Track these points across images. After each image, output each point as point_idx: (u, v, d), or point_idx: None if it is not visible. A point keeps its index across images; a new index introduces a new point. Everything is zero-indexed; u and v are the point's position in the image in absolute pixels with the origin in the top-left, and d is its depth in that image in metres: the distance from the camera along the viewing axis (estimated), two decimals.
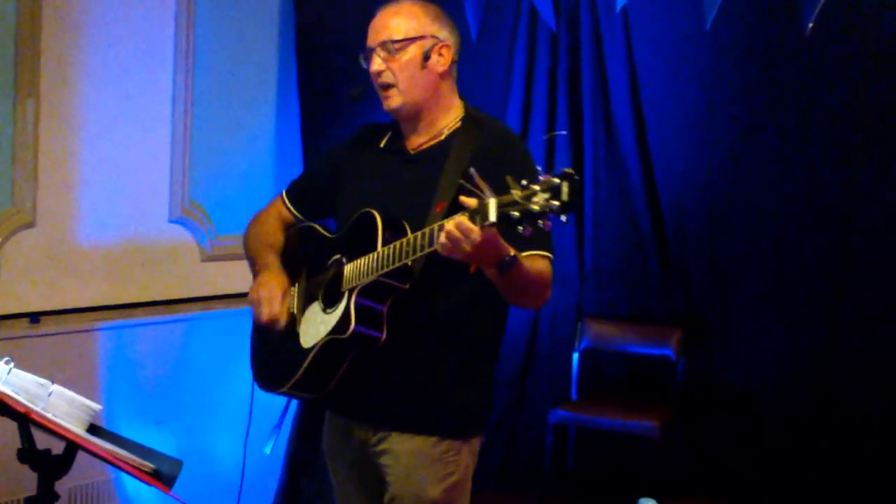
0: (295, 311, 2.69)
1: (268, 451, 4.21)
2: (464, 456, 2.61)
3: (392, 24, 2.59)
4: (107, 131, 4.05)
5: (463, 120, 2.65)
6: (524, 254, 2.34)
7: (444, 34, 2.62)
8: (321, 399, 2.71)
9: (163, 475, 2.50)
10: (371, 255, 2.45)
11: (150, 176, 4.25)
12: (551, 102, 4.78)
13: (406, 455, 2.57)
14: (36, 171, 3.84)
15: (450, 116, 2.65)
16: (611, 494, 4.64)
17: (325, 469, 4.15)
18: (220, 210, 4.51)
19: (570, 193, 2.05)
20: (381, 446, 2.60)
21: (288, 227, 2.88)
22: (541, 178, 2.08)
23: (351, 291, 2.47)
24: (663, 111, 4.62)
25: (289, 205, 2.87)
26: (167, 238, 4.32)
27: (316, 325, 2.58)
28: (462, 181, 2.23)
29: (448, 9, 4.42)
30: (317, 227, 2.80)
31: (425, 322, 2.53)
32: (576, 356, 4.80)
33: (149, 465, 2.48)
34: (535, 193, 2.07)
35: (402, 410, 2.58)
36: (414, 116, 2.63)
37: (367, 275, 2.44)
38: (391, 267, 2.39)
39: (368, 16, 4.53)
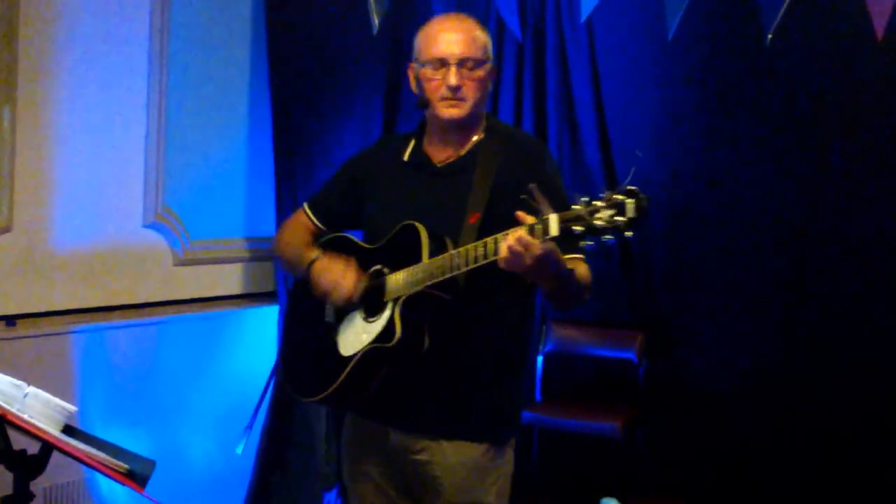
0: (331, 320, 2.72)
1: (239, 451, 4.32)
2: (508, 455, 2.71)
3: (474, 41, 2.63)
4: (82, 138, 4.07)
5: (486, 131, 2.71)
6: (567, 256, 2.40)
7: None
8: (353, 406, 2.76)
9: (136, 475, 2.51)
10: (417, 267, 2.49)
11: (124, 181, 4.27)
12: (517, 110, 4.82)
13: (460, 467, 2.62)
14: (12, 176, 3.86)
15: (477, 130, 2.71)
16: (574, 494, 4.69)
17: (295, 467, 4.25)
18: (194, 215, 4.54)
19: (636, 210, 2.09)
20: (427, 454, 2.64)
21: (312, 237, 2.90)
22: (604, 194, 2.12)
23: (395, 301, 2.52)
24: (626, 119, 4.65)
25: (311, 216, 2.90)
26: (141, 242, 4.35)
27: (356, 334, 2.61)
28: (523, 196, 2.24)
29: (418, 18, 4.52)
30: (351, 237, 2.82)
31: (464, 329, 2.58)
32: (540, 359, 4.82)
33: (122, 465, 2.49)
34: (598, 210, 2.11)
35: (446, 418, 2.62)
36: (460, 128, 2.68)
37: (414, 286, 2.49)
38: (441, 279, 2.44)
39: (339, 24, 4.65)
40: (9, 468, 2.40)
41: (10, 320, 3.85)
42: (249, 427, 4.27)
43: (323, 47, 4.71)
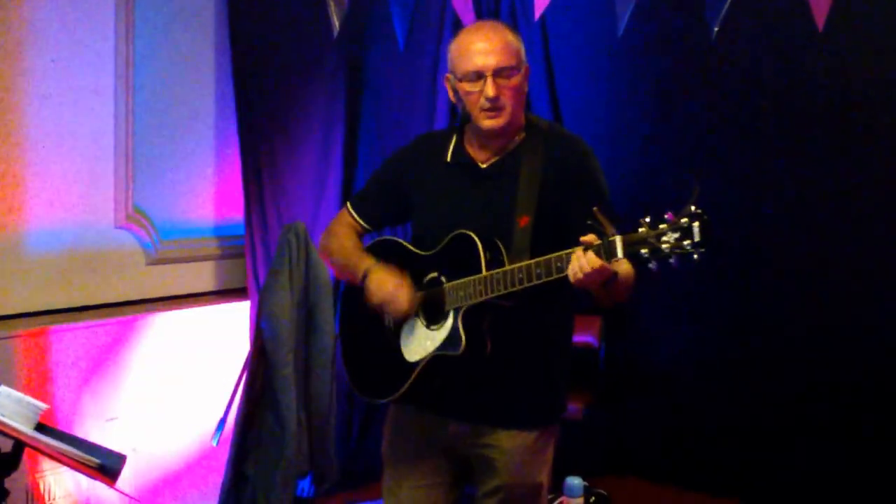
0: (391, 325, 2.81)
1: (215, 442, 4.37)
2: (553, 440, 2.89)
3: (507, 50, 2.65)
4: (51, 141, 4.10)
5: (526, 129, 2.76)
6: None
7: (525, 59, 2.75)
8: (416, 400, 2.85)
9: (107, 469, 2.59)
10: (477, 278, 2.57)
11: (95, 184, 4.30)
12: None
13: (515, 451, 2.77)
14: None
15: (518, 130, 2.75)
16: None
17: (268, 457, 4.29)
18: (164, 215, 4.58)
19: (702, 233, 2.15)
20: (484, 440, 2.78)
21: (359, 236, 2.98)
22: (668, 216, 2.19)
23: (457, 311, 2.62)
24: (579, 113, 4.71)
25: (355, 216, 2.97)
26: (113, 244, 4.38)
27: (419, 341, 2.72)
28: (590, 221, 2.30)
29: (376, 20, 4.62)
30: (401, 241, 2.89)
31: (518, 330, 2.68)
32: None
33: (93, 461, 2.57)
34: (664, 233, 2.18)
35: (502, 410, 2.75)
36: (502, 134, 2.71)
37: (475, 296, 2.57)
38: (501, 292, 2.51)
39: (300, 27, 4.72)
40: None
41: None
42: (223, 419, 4.32)
43: (285, 48, 4.76)
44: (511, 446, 2.78)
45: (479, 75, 2.65)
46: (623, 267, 2.44)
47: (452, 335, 2.62)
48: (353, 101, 4.84)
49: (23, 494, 3.88)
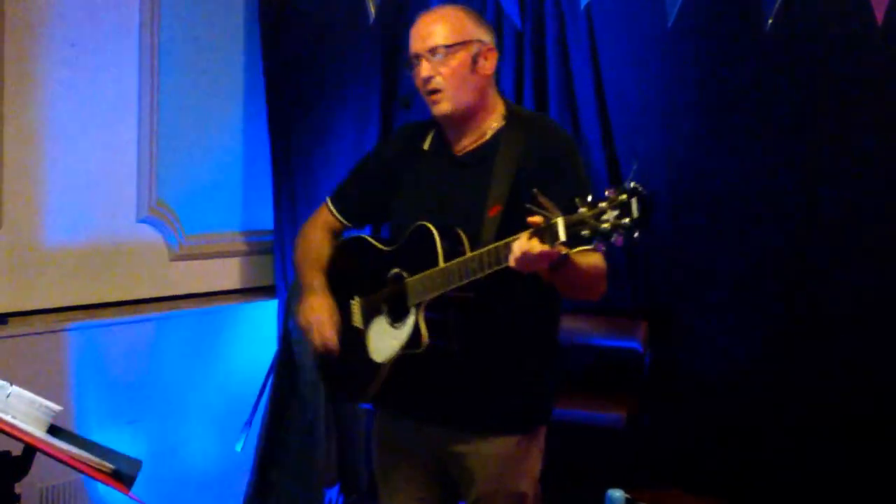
0: (359, 324, 2.75)
1: (239, 448, 4.30)
2: (540, 443, 2.78)
3: (440, 29, 2.61)
4: (72, 132, 4.05)
5: (506, 118, 2.69)
6: (577, 249, 2.34)
7: (487, 37, 2.68)
8: (391, 404, 2.79)
9: (122, 475, 2.51)
10: (434, 271, 2.50)
11: (116, 176, 4.25)
12: (517, 98, 4.78)
13: (494, 458, 2.67)
14: (1, 172, 3.84)
15: (494, 116, 2.69)
16: (579, 486, 4.67)
17: (295, 463, 4.22)
18: (189, 209, 4.51)
19: (641, 210, 2.07)
20: (461, 447, 2.68)
21: (336, 236, 2.91)
22: (608, 193, 2.11)
23: (418, 307, 2.54)
24: (627, 108, 4.62)
25: (335, 213, 2.89)
26: (135, 238, 4.33)
27: (385, 340, 2.65)
28: (530, 205, 2.24)
29: (414, 7, 4.48)
30: (368, 238, 2.82)
31: (491, 325, 2.59)
32: None
33: (108, 466, 2.50)
34: (603, 212, 2.10)
35: (476, 414, 2.66)
36: (461, 120, 2.66)
37: (433, 290, 2.50)
38: (458, 284, 2.45)
39: (334, 14, 4.61)
40: None
41: (2, 319, 3.82)
42: (248, 424, 4.26)
43: (317, 36, 4.69)
44: (488, 453, 2.68)
45: (416, 57, 2.64)
46: (589, 259, 2.43)
47: (415, 333, 2.55)
48: (388, 92, 4.70)
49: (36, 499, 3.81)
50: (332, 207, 2.90)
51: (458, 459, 2.70)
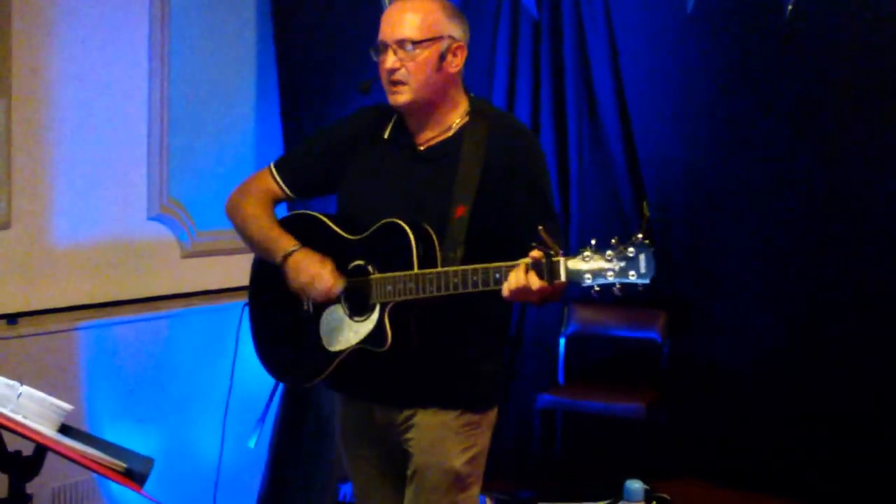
0: (308, 308, 2.67)
1: (252, 444, 4.24)
2: (484, 428, 2.69)
3: (410, 20, 2.53)
4: (81, 129, 4.02)
5: (470, 114, 2.62)
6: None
7: (459, 33, 2.60)
8: (338, 387, 2.77)
9: (134, 474, 2.47)
10: (407, 275, 2.44)
11: (126, 173, 4.21)
12: (535, 88, 4.78)
13: (430, 429, 2.61)
14: (10, 171, 3.80)
15: (457, 111, 2.63)
16: (598, 477, 4.65)
17: (309, 459, 4.18)
18: (200, 205, 4.47)
19: (647, 265, 2.11)
20: (407, 423, 2.64)
21: (274, 205, 2.78)
22: (614, 242, 2.14)
23: (384, 306, 2.49)
24: (645, 95, 4.62)
25: (280, 182, 2.76)
26: (146, 235, 4.29)
27: (342, 331, 2.59)
28: (534, 244, 2.23)
29: None
30: (323, 217, 2.72)
31: (446, 321, 2.54)
32: (562, 341, 4.83)
33: (120, 465, 2.45)
34: (609, 260, 2.13)
35: (424, 389, 2.62)
36: (421, 113, 2.60)
37: (404, 294, 2.45)
38: (433, 294, 2.40)
39: (348, 6, 4.56)
40: (2, 470, 2.38)
41: (12, 318, 3.79)
42: (262, 420, 4.21)
43: (331, 27, 4.66)
44: (426, 425, 2.63)
45: (383, 45, 2.56)
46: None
47: (377, 331, 2.51)
48: None
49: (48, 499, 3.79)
50: (276, 175, 2.77)
51: (402, 432, 2.66)
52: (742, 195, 4.47)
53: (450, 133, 2.60)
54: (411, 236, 2.45)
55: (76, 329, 3.93)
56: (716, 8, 4.40)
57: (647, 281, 2.11)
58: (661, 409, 4.58)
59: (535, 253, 2.21)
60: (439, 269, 2.41)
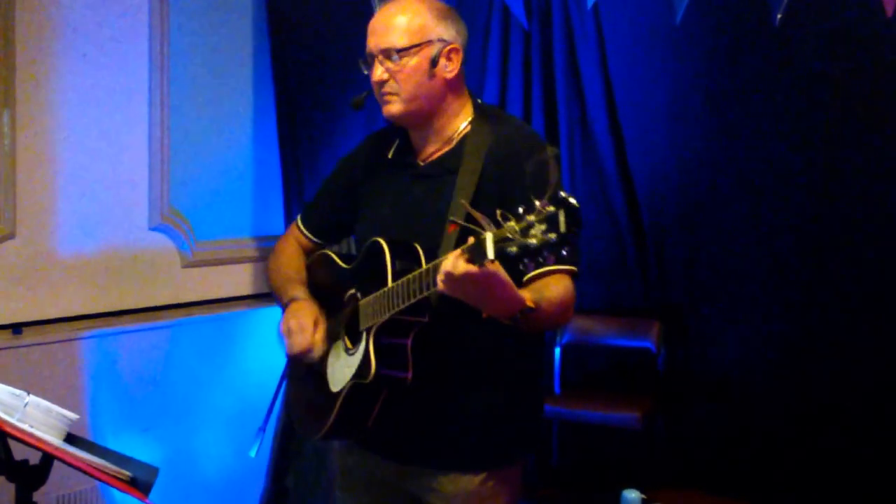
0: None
1: (253, 454, 4.24)
2: (511, 480, 2.48)
3: (395, 27, 2.36)
4: (84, 140, 4.03)
5: (472, 122, 2.44)
6: (547, 269, 2.21)
7: (452, 34, 2.40)
8: (346, 438, 2.58)
9: (139, 482, 2.47)
10: (382, 291, 2.26)
11: (128, 184, 4.23)
12: (526, 99, 4.77)
13: (455, 498, 2.41)
14: (14, 181, 3.82)
15: (459, 119, 2.45)
16: (595, 486, 4.65)
17: (310, 469, 4.19)
18: (201, 215, 4.50)
19: (568, 224, 1.80)
20: (427, 483, 2.44)
21: (309, 253, 2.71)
22: (537, 204, 1.83)
23: (368, 331, 2.29)
24: (636, 106, 4.60)
25: (305, 232, 2.71)
26: (147, 245, 4.30)
27: (341, 368, 2.40)
28: (452, 217, 2.08)
29: None
30: (332, 255, 2.61)
31: (455, 353, 2.35)
32: (558, 350, 4.81)
33: (125, 473, 2.45)
34: (531, 225, 1.82)
35: (439, 449, 2.41)
36: (418, 124, 2.44)
37: (381, 313, 2.25)
38: (403, 305, 2.18)
39: (342, 17, 4.59)
40: (10, 479, 2.37)
41: (17, 328, 3.82)
42: (263, 429, 4.21)
43: (325, 37, 4.66)
44: (451, 492, 2.41)
45: (371, 57, 2.40)
46: (550, 290, 2.19)
47: (364, 360, 2.27)
48: None
49: None
50: (301, 226, 2.72)
51: (427, 496, 2.46)
52: (735, 204, 4.47)
53: (451, 144, 2.43)
54: (386, 252, 2.28)
55: (79, 339, 3.94)
56: (704, 17, 4.36)
57: (567, 244, 1.79)
58: (657, 419, 4.57)
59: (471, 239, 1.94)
60: (403, 278, 2.19)
